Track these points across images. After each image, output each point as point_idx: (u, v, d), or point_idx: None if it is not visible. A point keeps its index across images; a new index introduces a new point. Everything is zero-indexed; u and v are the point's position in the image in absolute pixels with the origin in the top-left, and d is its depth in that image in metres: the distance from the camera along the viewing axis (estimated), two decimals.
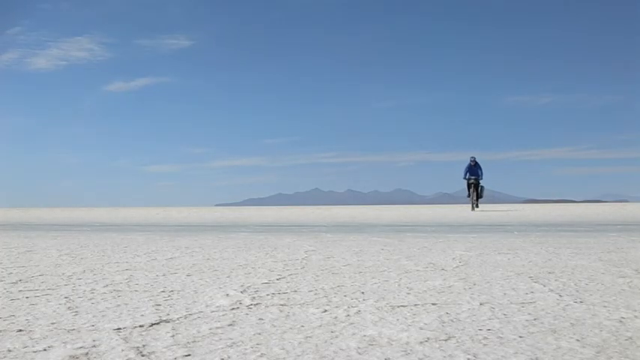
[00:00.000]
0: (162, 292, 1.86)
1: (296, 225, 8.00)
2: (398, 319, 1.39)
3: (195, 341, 1.19)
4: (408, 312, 1.49)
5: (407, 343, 1.16)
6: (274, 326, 1.33)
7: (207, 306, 1.59)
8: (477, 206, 16.71)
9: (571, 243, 3.82)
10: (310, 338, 1.21)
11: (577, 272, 2.26)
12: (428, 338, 1.20)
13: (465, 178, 17.17)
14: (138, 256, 3.13)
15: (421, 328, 1.29)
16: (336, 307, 1.56)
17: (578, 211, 14.85)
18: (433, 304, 1.60)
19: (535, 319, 1.38)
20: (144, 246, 3.88)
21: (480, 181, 16.89)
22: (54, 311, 1.54)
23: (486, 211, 15.67)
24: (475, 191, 16.59)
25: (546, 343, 1.15)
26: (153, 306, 1.60)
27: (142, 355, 1.09)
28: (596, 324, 1.33)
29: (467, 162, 17.25)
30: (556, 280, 2.03)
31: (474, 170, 16.90)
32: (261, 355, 1.08)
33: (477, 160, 17.16)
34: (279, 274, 2.26)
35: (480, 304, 1.58)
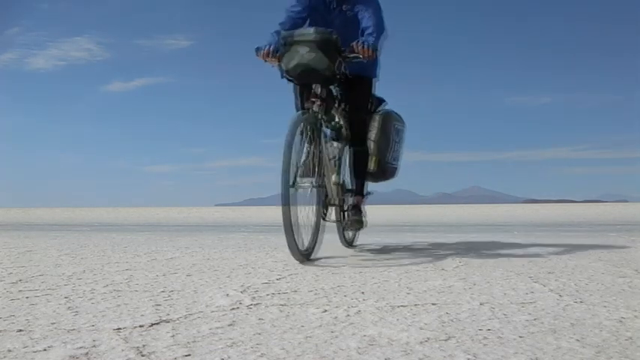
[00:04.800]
0: (162, 292, 1.85)
1: None
2: (398, 319, 1.39)
3: (195, 341, 1.19)
4: (408, 312, 1.49)
5: (407, 343, 1.16)
6: (274, 326, 1.33)
7: (207, 306, 1.59)
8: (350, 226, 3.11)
9: (571, 243, 3.82)
10: (310, 338, 1.21)
11: (577, 272, 2.26)
12: (428, 338, 1.20)
13: (283, 76, 2.66)
14: (138, 256, 3.13)
15: (421, 328, 1.29)
16: (336, 307, 1.56)
17: (578, 211, 14.84)
18: (433, 304, 1.60)
19: (535, 319, 1.38)
20: (144, 246, 3.87)
21: (373, 81, 3.00)
22: (54, 311, 1.53)
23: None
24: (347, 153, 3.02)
25: (546, 343, 1.15)
26: (153, 306, 1.60)
27: (142, 355, 1.09)
28: (596, 324, 1.33)
29: None
30: (556, 280, 2.03)
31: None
32: (261, 355, 1.08)
33: None
34: (279, 274, 2.25)
35: (480, 304, 1.58)
